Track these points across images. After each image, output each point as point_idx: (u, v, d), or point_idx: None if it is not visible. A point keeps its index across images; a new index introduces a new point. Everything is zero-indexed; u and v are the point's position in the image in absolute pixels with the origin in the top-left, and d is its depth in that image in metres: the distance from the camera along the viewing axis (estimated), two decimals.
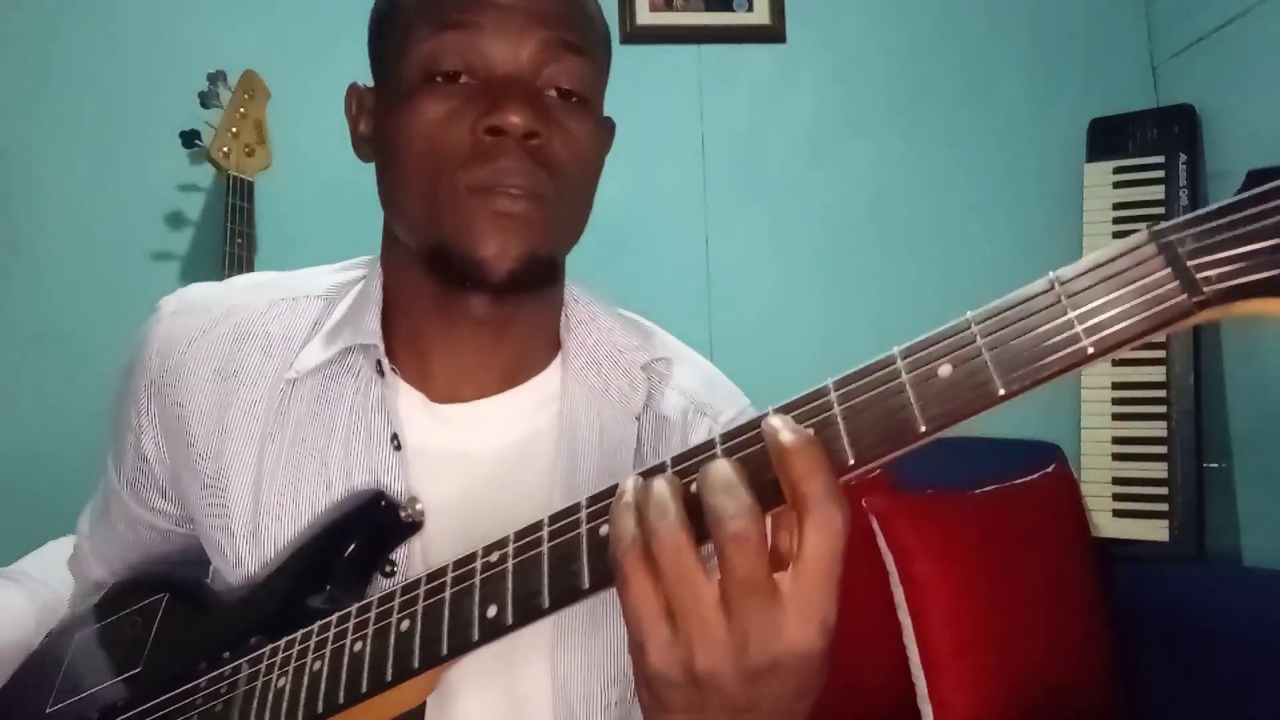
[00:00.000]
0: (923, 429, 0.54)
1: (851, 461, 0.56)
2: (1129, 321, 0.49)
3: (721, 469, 0.56)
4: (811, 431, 0.57)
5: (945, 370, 0.54)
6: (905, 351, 0.57)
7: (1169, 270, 0.48)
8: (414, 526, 0.89)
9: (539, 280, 0.89)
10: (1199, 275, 0.47)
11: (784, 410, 0.59)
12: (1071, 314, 0.51)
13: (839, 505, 0.55)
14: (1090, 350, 0.50)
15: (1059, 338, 0.51)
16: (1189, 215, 0.48)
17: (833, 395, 0.58)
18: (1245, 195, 0.46)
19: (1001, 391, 0.52)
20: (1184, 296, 0.47)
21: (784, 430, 0.56)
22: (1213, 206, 0.47)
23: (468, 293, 0.88)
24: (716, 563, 0.56)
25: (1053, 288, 0.53)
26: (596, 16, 0.93)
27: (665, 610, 0.57)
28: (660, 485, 0.58)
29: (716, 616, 0.56)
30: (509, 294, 0.87)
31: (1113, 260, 0.51)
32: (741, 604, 0.55)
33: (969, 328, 0.55)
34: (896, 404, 0.55)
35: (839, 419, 0.57)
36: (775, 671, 0.56)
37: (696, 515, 0.57)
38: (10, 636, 1.05)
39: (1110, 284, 0.51)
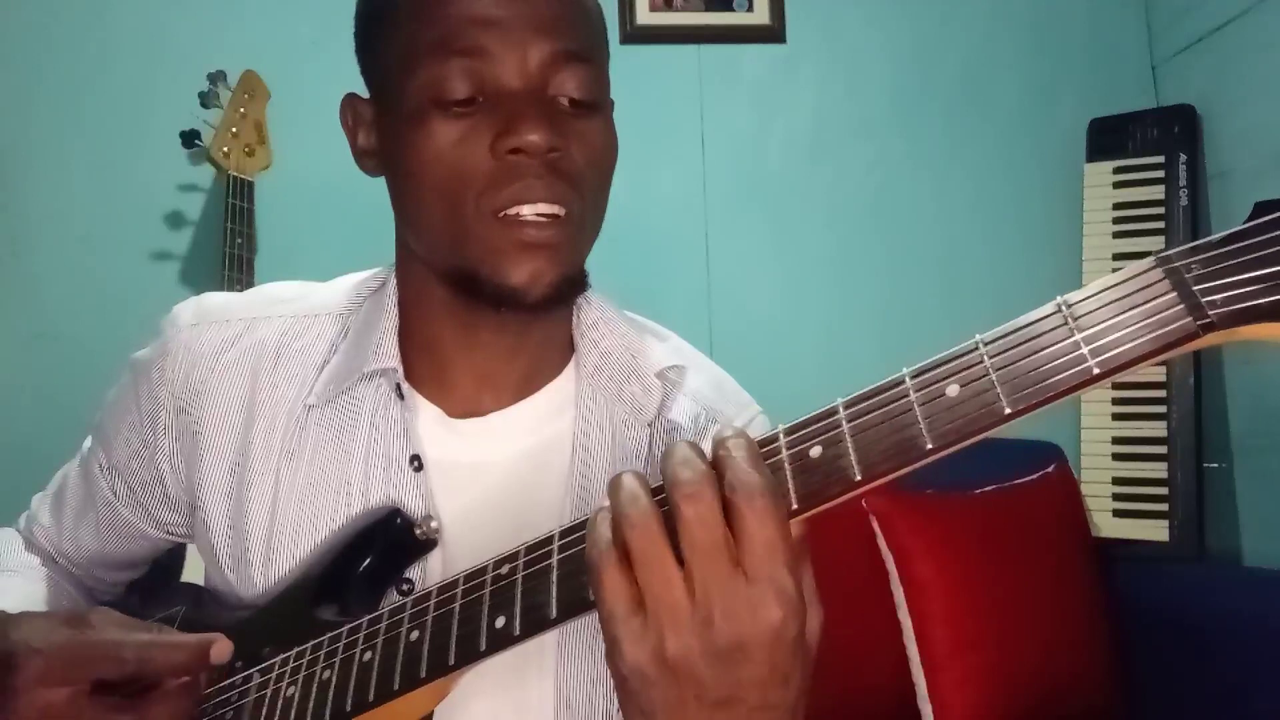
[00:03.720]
0: (929, 446, 0.54)
1: (859, 478, 0.56)
2: (1134, 343, 0.50)
3: (680, 447, 0.59)
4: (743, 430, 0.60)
5: (953, 390, 0.54)
6: (914, 372, 0.57)
7: (1175, 294, 0.49)
8: (429, 544, 0.89)
9: (573, 295, 0.91)
10: (1204, 299, 0.47)
11: (794, 429, 0.60)
12: (1078, 335, 0.52)
13: (763, 475, 0.57)
14: (1096, 371, 0.50)
15: (1065, 359, 0.52)
16: (1195, 243, 0.48)
17: (842, 414, 0.58)
18: (1252, 224, 0.46)
19: (1008, 410, 0.52)
20: (1189, 320, 0.48)
21: (725, 429, 0.60)
22: (1218, 235, 0.48)
23: (493, 310, 0.87)
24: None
25: (1059, 310, 0.53)
26: (592, 10, 0.92)
27: (637, 602, 0.58)
28: (629, 479, 0.59)
29: (684, 598, 0.56)
30: (544, 312, 0.88)
31: (1119, 284, 0.51)
32: (704, 574, 0.56)
33: (977, 349, 0.55)
34: (904, 422, 0.56)
35: (847, 436, 0.57)
36: (745, 650, 0.56)
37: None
38: None
39: (1116, 307, 0.51)
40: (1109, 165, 2.60)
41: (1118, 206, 2.57)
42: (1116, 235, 2.55)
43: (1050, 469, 2.27)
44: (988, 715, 1.96)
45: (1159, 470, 2.42)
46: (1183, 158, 2.50)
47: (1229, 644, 1.98)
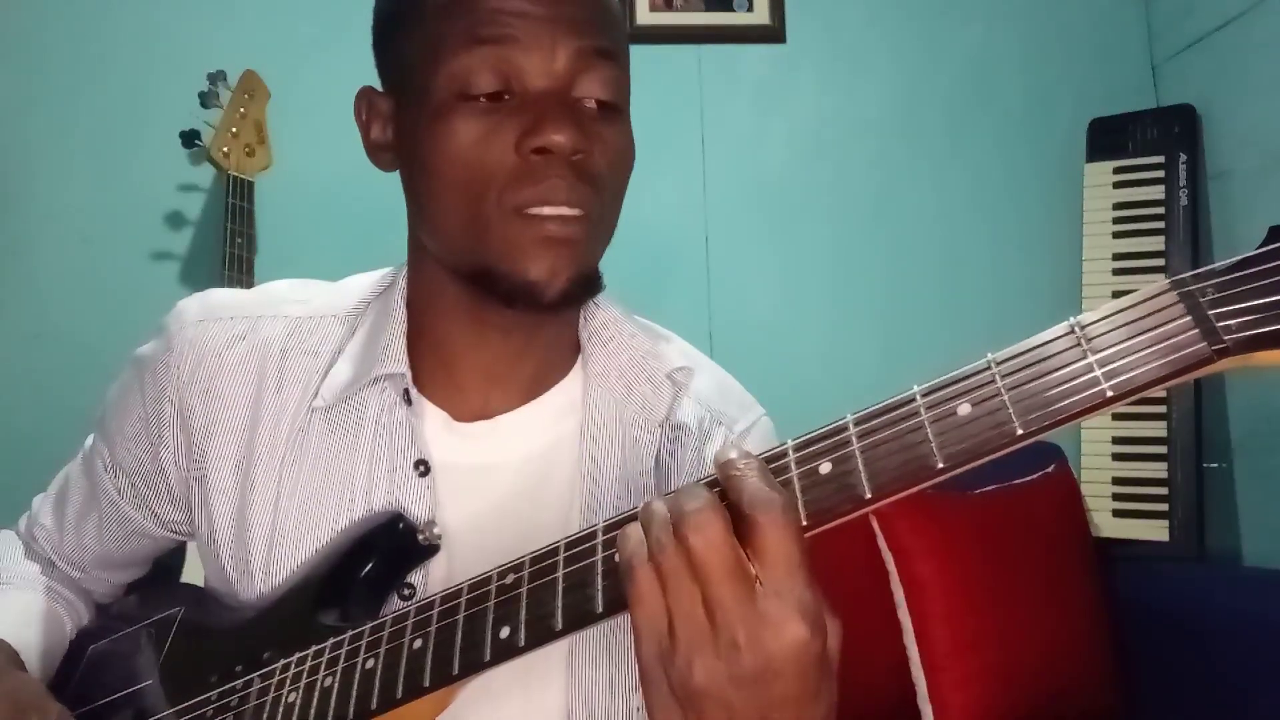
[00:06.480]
0: (940, 466, 0.54)
1: (869, 496, 0.56)
2: (1149, 367, 0.50)
3: (689, 485, 0.60)
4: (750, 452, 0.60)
5: (964, 409, 0.54)
6: (925, 390, 0.57)
7: (1189, 318, 0.49)
8: (431, 550, 0.89)
9: (588, 295, 0.90)
10: (1219, 324, 0.47)
11: (803, 444, 0.60)
12: (1091, 358, 0.52)
13: (777, 491, 0.58)
14: (1110, 393, 0.50)
15: (1078, 380, 0.52)
16: (1209, 267, 0.48)
17: (852, 431, 0.58)
18: (1266, 249, 0.46)
19: (1020, 431, 0.52)
20: (1204, 344, 0.48)
21: (726, 449, 0.60)
22: (1233, 259, 0.47)
23: (508, 308, 0.87)
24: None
25: (1073, 332, 0.53)
26: (618, 13, 0.92)
27: (670, 629, 0.58)
28: (658, 504, 0.60)
29: (706, 624, 0.57)
30: (559, 312, 0.88)
31: (1133, 307, 0.51)
32: (721, 597, 0.56)
33: (989, 368, 0.55)
34: (914, 440, 0.56)
35: (857, 454, 0.57)
36: (774, 670, 0.56)
37: None
38: (53, 640, 1.05)
39: (1130, 329, 0.51)
40: (1109, 165, 2.60)
41: (1118, 206, 2.56)
42: (1116, 235, 2.55)
43: (1050, 469, 2.27)
44: (988, 715, 1.96)
45: (1159, 470, 2.42)
46: (1183, 158, 2.49)
47: (1229, 644, 1.98)
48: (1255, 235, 0.49)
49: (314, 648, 0.82)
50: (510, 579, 0.70)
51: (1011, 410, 0.53)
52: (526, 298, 0.84)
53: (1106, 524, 2.45)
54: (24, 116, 2.50)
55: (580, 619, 0.65)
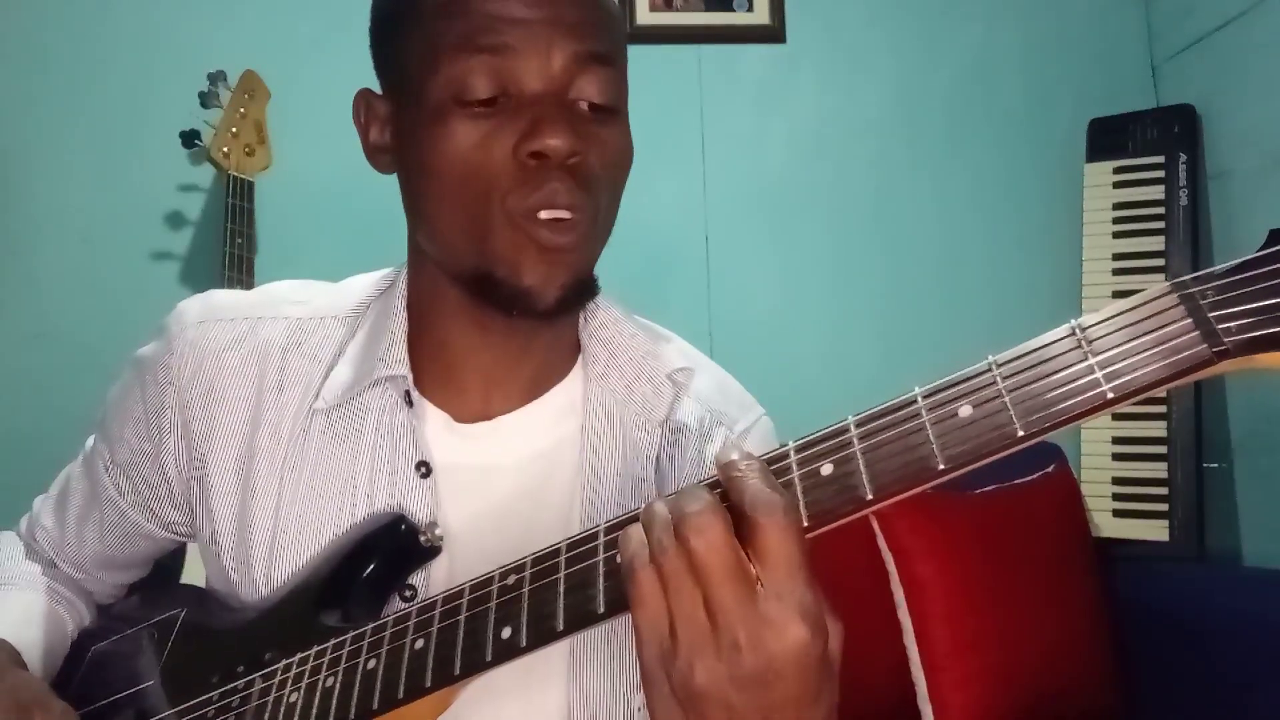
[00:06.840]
0: (941, 467, 0.54)
1: (870, 497, 0.56)
2: (1149, 369, 0.50)
3: (690, 487, 0.60)
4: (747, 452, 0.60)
5: (965, 410, 0.54)
6: (926, 391, 0.57)
7: (1190, 320, 0.49)
8: (433, 551, 0.89)
9: (584, 301, 0.91)
10: (1219, 326, 0.47)
11: (804, 445, 0.60)
12: (1092, 359, 0.52)
13: (779, 492, 0.57)
14: (1110, 395, 0.50)
15: (1079, 382, 0.52)
16: (1210, 270, 0.48)
17: (853, 432, 0.58)
18: (1267, 251, 0.46)
19: (1021, 433, 0.52)
20: (1204, 346, 0.48)
21: (728, 450, 0.60)
22: (1234, 262, 0.48)
23: (505, 314, 0.87)
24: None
25: (1074, 334, 0.53)
26: (616, 15, 0.92)
27: (671, 630, 0.58)
28: (659, 505, 0.60)
29: (708, 626, 0.57)
30: (554, 318, 0.88)
31: (1134, 309, 0.51)
32: (722, 599, 0.56)
33: (990, 370, 0.55)
34: (916, 441, 0.56)
35: (859, 455, 0.57)
36: (776, 671, 0.56)
37: None
38: (55, 639, 1.05)
39: (1131, 331, 0.51)
40: (1109, 165, 2.60)
41: (1118, 206, 2.56)
42: (1116, 235, 2.55)
43: (1050, 469, 2.27)
44: (988, 715, 1.96)
45: (1159, 470, 2.42)
46: (1183, 158, 2.49)
47: (1229, 644, 1.98)
48: (1255, 235, 0.49)
49: (315, 648, 0.82)
50: (512, 579, 0.70)
51: (1012, 412, 0.53)
52: (523, 304, 0.84)
53: (1106, 524, 2.45)
54: (24, 116, 2.49)
55: (582, 620, 0.65)
